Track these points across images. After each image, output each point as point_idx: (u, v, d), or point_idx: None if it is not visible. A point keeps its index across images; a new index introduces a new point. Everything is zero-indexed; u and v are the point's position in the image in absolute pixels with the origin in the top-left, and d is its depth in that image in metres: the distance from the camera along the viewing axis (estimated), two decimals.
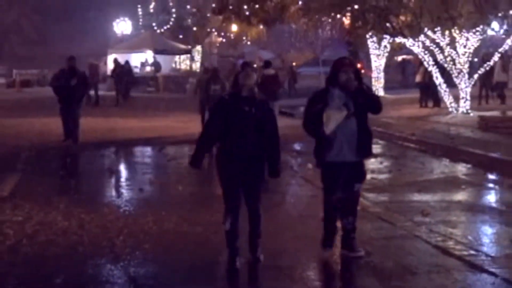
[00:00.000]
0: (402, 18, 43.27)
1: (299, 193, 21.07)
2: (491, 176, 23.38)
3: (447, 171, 24.63)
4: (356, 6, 44.81)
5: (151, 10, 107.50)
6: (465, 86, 40.55)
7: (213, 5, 68.47)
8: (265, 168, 12.50)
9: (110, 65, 77.62)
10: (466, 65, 40.61)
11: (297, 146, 30.18)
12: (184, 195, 20.34)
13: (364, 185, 19.19)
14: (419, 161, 26.68)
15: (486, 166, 24.61)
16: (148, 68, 77.15)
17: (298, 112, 40.57)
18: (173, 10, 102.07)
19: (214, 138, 12.39)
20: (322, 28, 60.47)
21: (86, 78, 27.65)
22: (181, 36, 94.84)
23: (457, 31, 40.29)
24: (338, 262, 13.99)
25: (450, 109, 40.42)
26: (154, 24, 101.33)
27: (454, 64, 40.66)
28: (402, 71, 68.66)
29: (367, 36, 49.28)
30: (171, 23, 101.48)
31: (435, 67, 42.20)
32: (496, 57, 42.61)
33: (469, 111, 39.92)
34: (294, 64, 76.97)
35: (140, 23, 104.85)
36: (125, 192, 20.51)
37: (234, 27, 70.19)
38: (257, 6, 55.43)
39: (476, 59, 44.77)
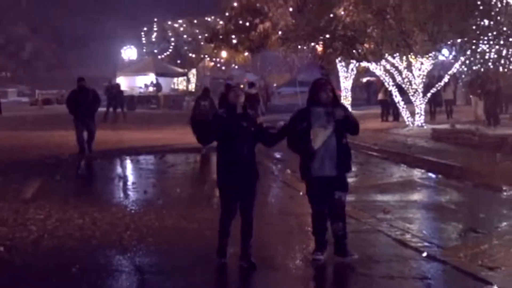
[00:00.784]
0: (366, 45, 43.29)
1: (279, 194, 21.09)
2: (442, 179, 23.45)
3: (405, 175, 24.67)
4: (327, 36, 44.85)
5: (153, 39, 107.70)
6: (419, 103, 40.68)
7: (206, 35, 68.81)
8: (257, 176, 12.23)
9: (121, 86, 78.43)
10: (421, 85, 40.75)
11: (277, 155, 30.18)
12: (181, 196, 20.33)
13: None
14: (381, 167, 26.72)
15: (437, 171, 24.68)
16: (151, 88, 77.15)
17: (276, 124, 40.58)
18: (172, 39, 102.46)
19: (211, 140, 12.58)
20: (298, 54, 60.38)
21: (97, 95, 27.50)
22: (178, 61, 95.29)
23: (413, 57, 40.38)
24: (310, 250, 14.02)
25: (407, 123, 40.48)
26: (156, 51, 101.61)
27: (411, 84, 40.80)
28: (366, 91, 68.74)
29: (337, 61, 49.29)
30: (170, 50, 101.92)
31: (394, 87, 42.33)
32: (446, 79, 42.83)
33: (423, 124, 40.01)
34: (274, 85, 77.10)
35: (144, 50, 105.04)
36: (131, 193, 20.49)
37: (224, 54, 70.20)
38: (243, 35, 55.53)
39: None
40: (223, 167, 11.95)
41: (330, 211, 12.08)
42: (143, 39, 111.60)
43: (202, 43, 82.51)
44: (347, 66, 51.38)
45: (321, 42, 46.92)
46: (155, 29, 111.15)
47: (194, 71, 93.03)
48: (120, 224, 15.56)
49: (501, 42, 39.86)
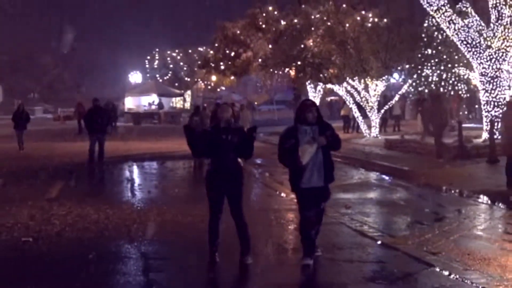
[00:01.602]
0: (331, 71, 43.27)
1: (259, 193, 21.07)
2: (393, 181, 23.48)
3: (363, 177, 24.70)
4: (299, 62, 44.87)
5: (155, 66, 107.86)
6: (375, 118, 40.75)
7: (199, 62, 68.90)
8: (243, 181, 11.91)
9: (128, 105, 78.59)
10: (376, 103, 40.80)
11: (258, 161, 30.18)
12: (179, 195, 20.32)
13: None
14: (343, 170, 26.66)
15: (390, 174, 24.70)
16: (153, 106, 77.17)
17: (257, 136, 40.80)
18: (171, 65, 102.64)
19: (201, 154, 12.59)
20: (275, 78, 60.37)
21: (108, 112, 27.42)
22: (176, 84, 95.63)
23: (369, 80, 40.44)
24: (288, 242, 14.03)
25: (365, 134, 40.52)
26: (157, 75, 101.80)
27: (368, 102, 40.84)
28: (330, 108, 68.66)
29: (307, 83, 49.28)
30: (169, 74, 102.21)
31: (354, 104, 42.38)
32: (396, 98, 42.92)
33: (378, 135, 40.05)
34: (256, 103, 77.20)
35: (148, 75, 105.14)
36: (137, 193, 20.44)
37: (214, 78, 70.14)
38: (229, 63, 55.42)
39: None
40: (209, 173, 11.80)
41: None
42: (147, 65, 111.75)
43: (196, 69, 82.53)
44: (315, 87, 51.40)
45: (293, 68, 46.93)
46: (157, 57, 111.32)
47: (189, 92, 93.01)
48: (128, 219, 15.55)
49: (442, 67, 39.95)
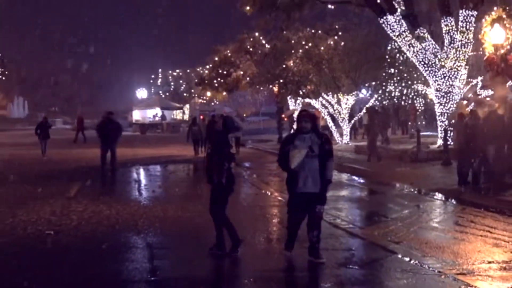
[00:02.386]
0: (309, 87, 43.34)
1: (247, 192, 21.05)
2: (361, 180, 23.51)
3: (336, 178, 24.58)
4: (281, 80, 44.87)
5: (159, 83, 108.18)
6: (346, 128, 40.81)
7: (196, 80, 68.99)
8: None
9: (135, 117, 78.88)
10: (347, 115, 40.84)
11: (246, 164, 30.18)
12: (179, 194, 20.28)
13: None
14: None
15: (358, 175, 24.72)
16: (157, 118, 77.34)
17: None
18: (172, 83, 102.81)
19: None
20: (261, 93, 60.37)
21: (120, 125, 27.23)
22: (176, 99, 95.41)
23: (341, 95, 40.50)
24: (273, 232, 14.03)
25: (338, 141, 40.47)
26: (160, 91, 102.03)
27: (340, 114, 40.88)
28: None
29: (288, 98, 49.28)
30: (171, 90, 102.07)
31: (328, 116, 42.42)
32: (364, 110, 42.95)
33: (349, 142, 40.09)
34: (244, 115, 77.21)
35: (152, 91, 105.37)
36: (143, 192, 20.39)
37: (208, 93, 70.04)
38: (222, 80, 55.49)
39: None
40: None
41: (309, 221, 10.89)
42: (152, 83, 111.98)
43: (193, 86, 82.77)
44: (295, 101, 51.32)
45: (276, 85, 46.90)
46: (160, 76, 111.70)
47: (187, 105, 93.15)
48: (136, 214, 15.53)
49: (403, 84, 40.15)
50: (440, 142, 27.46)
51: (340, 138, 41.12)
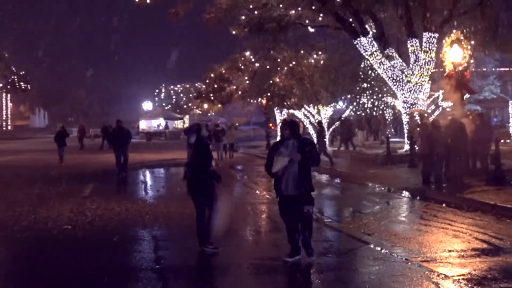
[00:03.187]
0: (293, 100, 43.33)
1: (239, 191, 21.06)
2: (338, 181, 23.55)
3: (317, 178, 24.68)
4: (268, 94, 44.91)
5: (162, 97, 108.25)
6: (325, 135, 40.81)
7: (194, 94, 69.17)
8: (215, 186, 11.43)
9: (142, 126, 79.06)
10: (326, 124, 40.85)
11: (239, 167, 30.19)
12: (181, 193, 20.08)
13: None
14: None
15: (336, 176, 24.76)
16: (160, 127, 77.55)
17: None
18: (174, 96, 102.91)
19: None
20: (251, 105, 60.38)
21: (130, 133, 27.08)
22: (178, 110, 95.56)
23: (321, 106, 40.50)
24: (262, 225, 14.04)
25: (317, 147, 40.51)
26: (164, 104, 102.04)
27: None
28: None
29: (275, 109, 49.27)
30: (172, 103, 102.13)
31: (310, 125, 42.42)
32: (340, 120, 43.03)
33: (328, 147, 40.09)
34: (237, 124, 77.24)
35: (156, 104, 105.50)
36: (149, 192, 20.36)
37: (206, 105, 70.11)
38: (217, 94, 55.57)
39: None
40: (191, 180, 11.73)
41: (300, 222, 10.30)
42: (156, 96, 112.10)
43: (192, 99, 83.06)
44: (280, 112, 51.24)
45: (265, 98, 47.01)
46: (163, 91, 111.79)
47: (187, 116, 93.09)
48: (142, 211, 15.52)
49: (374, 97, 40.16)
50: (406, 147, 27.54)
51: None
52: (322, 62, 43.16)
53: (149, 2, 28.68)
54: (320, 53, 43.71)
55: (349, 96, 43.49)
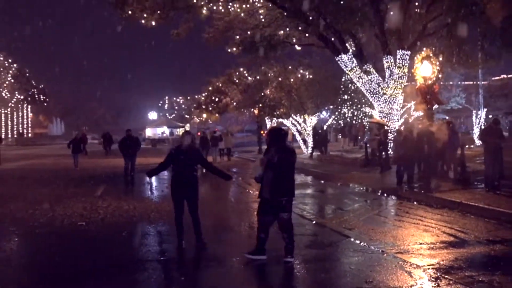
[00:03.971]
0: (281, 110, 43.37)
1: (234, 191, 21.02)
2: (322, 181, 23.57)
3: (303, 179, 24.74)
4: (260, 105, 44.99)
5: (166, 107, 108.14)
6: (310, 141, 40.72)
7: (194, 105, 69.18)
8: (198, 189, 11.09)
9: (148, 133, 79.01)
10: (311, 132, 40.86)
11: (234, 170, 30.17)
12: None
13: None
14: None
15: (320, 177, 24.79)
16: (164, 134, 77.61)
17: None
18: (176, 107, 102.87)
19: (164, 169, 11.68)
20: (245, 115, 60.44)
21: (138, 140, 27.00)
22: (180, 119, 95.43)
23: (307, 116, 40.60)
24: (254, 222, 14.04)
25: (304, 152, 40.54)
26: (167, 114, 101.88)
27: (306, 131, 40.92)
28: None
29: (266, 118, 49.32)
30: (175, 113, 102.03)
31: (297, 132, 42.47)
32: (324, 127, 43.00)
33: (313, 153, 40.11)
34: (232, 131, 77.36)
35: (160, 113, 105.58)
36: (154, 192, 20.34)
37: (204, 115, 70.11)
38: (214, 105, 55.68)
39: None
40: (172, 182, 11.24)
41: (279, 225, 9.73)
42: (160, 107, 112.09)
43: (192, 109, 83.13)
44: (271, 121, 51.32)
45: (257, 108, 47.12)
46: (167, 102, 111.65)
47: (188, 124, 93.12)
48: (148, 209, 15.49)
49: (354, 107, 40.29)
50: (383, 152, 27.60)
51: (306, 149, 41.16)
52: (307, 76, 43.31)
53: (182, 36, 28.74)
54: (306, 68, 43.87)
55: (331, 106, 43.81)
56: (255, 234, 9.86)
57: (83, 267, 9.50)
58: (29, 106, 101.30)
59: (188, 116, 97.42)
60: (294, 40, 32.74)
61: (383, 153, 25.66)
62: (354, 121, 45.48)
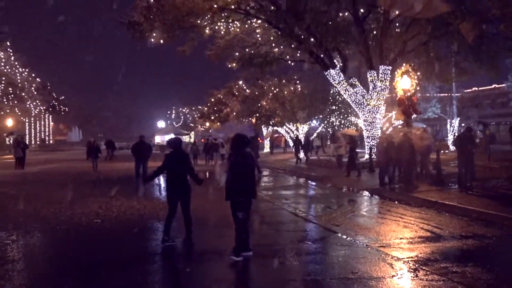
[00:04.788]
0: (276, 119, 43.48)
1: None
2: (313, 183, 23.56)
3: (296, 181, 24.71)
4: (257, 114, 45.03)
5: (173, 117, 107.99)
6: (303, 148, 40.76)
7: (198, 114, 69.17)
8: (191, 192, 10.87)
9: (157, 140, 78.81)
10: (303, 138, 40.86)
11: None
12: None
13: (262, 188, 19.06)
14: (284, 177, 26.70)
15: (311, 179, 24.76)
16: None
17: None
18: (182, 116, 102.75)
19: (161, 173, 11.09)
20: (243, 123, 60.47)
21: (150, 146, 26.81)
22: (185, 127, 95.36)
23: (299, 124, 40.68)
24: (252, 220, 14.03)
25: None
26: (174, 122, 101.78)
27: (298, 137, 40.89)
28: (273, 142, 68.17)
29: (262, 126, 49.44)
30: (181, 122, 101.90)
31: (290, 139, 42.45)
32: (315, 134, 43.00)
33: (304, 157, 40.04)
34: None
35: (168, 122, 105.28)
36: (162, 192, 20.24)
37: (207, 124, 70.10)
38: (216, 115, 55.63)
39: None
40: (167, 185, 10.96)
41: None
42: (168, 116, 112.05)
43: (196, 118, 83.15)
44: (267, 129, 51.56)
45: (254, 117, 47.13)
46: (174, 112, 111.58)
47: (193, 132, 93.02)
48: (157, 207, 15.45)
49: (341, 116, 40.28)
50: (366, 156, 27.63)
51: (299, 155, 41.17)
52: (299, 89, 43.47)
53: (187, 52, 28.85)
54: (298, 82, 44.01)
55: (321, 116, 43.85)
56: (254, 230, 9.88)
57: (98, 258, 9.51)
58: (50, 116, 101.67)
59: (192, 125, 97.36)
60: (288, 57, 32.87)
61: (353, 158, 25.43)
62: (341, 129, 45.58)
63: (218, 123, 61.01)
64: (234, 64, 31.98)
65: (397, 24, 27.22)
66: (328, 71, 28.37)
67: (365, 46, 27.20)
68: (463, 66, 29.45)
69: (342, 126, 41.83)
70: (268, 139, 58.19)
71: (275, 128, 49.03)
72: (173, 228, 10.80)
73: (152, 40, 26.57)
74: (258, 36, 30.59)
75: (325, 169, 28.72)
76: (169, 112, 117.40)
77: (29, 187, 22.36)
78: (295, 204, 16.21)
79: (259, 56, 30.72)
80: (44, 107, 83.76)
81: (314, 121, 46.08)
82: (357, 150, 26.43)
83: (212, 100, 56.72)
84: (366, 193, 18.57)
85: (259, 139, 50.32)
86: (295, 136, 41.31)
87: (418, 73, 24.11)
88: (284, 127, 45.20)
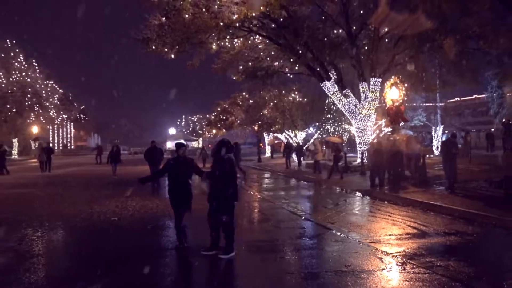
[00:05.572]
0: (277, 126, 43.52)
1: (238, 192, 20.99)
2: (310, 184, 23.53)
3: (295, 183, 24.68)
4: (259, 122, 45.05)
5: (183, 124, 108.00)
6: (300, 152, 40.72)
7: (206, 122, 69.24)
8: (192, 197, 10.49)
9: (168, 146, 78.82)
10: (295, 144, 40.76)
11: (237, 175, 30.07)
12: (196, 193, 19.92)
13: (264, 189, 19.08)
14: (283, 180, 26.64)
15: (308, 181, 24.73)
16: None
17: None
18: (191, 124, 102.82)
19: (159, 177, 10.70)
20: (247, 130, 60.52)
21: (161, 150, 26.60)
22: (194, 134, 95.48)
23: (297, 131, 40.67)
24: (255, 217, 14.02)
25: (295, 161, 40.40)
26: (184, 130, 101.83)
27: (296, 144, 40.87)
28: (273, 148, 68.20)
29: (264, 133, 49.43)
30: (190, 129, 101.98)
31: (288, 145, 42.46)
32: (311, 140, 42.95)
33: (302, 161, 40.01)
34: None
35: (178, 129, 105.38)
36: None
37: (214, 131, 70.14)
38: (222, 123, 55.62)
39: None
40: (169, 191, 10.48)
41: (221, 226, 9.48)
42: (178, 124, 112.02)
43: (204, 126, 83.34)
44: (268, 135, 51.53)
45: (257, 125, 47.15)
46: (183, 119, 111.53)
47: (201, 138, 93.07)
48: (168, 206, 15.24)
49: (335, 124, 40.24)
50: (359, 160, 27.60)
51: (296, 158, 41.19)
52: (298, 99, 43.48)
53: (196, 66, 28.88)
54: (296, 92, 44.06)
55: (317, 123, 43.81)
56: (255, 227, 9.86)
57: (115, 253, 9.54)
58: (72, 123, 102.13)
59: (200, 132, 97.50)
60: (287, 70, 32.96)
61: (337, 163, 25.21)
62: (335, 135, 45.57)
63: (224, 130, 61.07)
64: (238, 77, 32.08)
65: (387, 40, 27.24)
66: (324, 83, 28.39)
67: (358, 60, 27.24)
68: (446, 78, 29.48)
69: (336, 132, 41.84)
70: (269, 144, 58.24)
71: (276, 134, 49.03)
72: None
73: (164, 55, 26.64)
74: (260, 51, 30.71)
75: (315, 173, 28.69)
76: (179, 120, 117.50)
77: (53, 188, 22.39)
78: (294, 203, 16.16)
79: (261, 69, 30.78)
80: (66, 116, 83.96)
81: (311, 128, 46.10)
82: (350, 155, 26.44)
83: (218, 109, 56.77)
84: (358, 193, 18.55)
85: (261, 144, 50.35)
86: (286, 142, 41.28)
87: (406, 85, 24.13)
88: (284, 133, 45.21)
